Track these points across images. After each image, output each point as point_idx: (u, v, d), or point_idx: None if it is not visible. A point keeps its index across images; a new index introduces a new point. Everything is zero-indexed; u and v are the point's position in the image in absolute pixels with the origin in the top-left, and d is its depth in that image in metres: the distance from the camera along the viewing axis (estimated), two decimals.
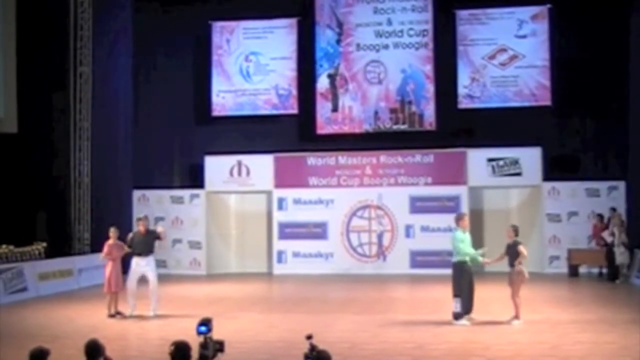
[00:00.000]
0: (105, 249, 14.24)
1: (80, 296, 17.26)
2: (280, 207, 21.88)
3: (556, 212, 20.71)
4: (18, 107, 20.88)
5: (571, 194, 20.69)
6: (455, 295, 12.31)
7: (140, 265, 13.96)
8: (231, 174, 22.10)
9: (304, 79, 22.41)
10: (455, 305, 12.29)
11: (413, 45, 21.99)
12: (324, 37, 22.44)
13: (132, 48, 22.48)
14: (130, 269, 14.13)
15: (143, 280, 14.11)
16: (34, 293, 17.19)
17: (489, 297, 15.13)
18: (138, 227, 14.36)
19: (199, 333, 5.91)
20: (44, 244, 18.85)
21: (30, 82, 20.77)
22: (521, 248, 12.32)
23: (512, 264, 12.32)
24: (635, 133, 19.66)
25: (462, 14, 21.86)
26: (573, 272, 19.74)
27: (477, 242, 13.12)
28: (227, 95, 22.80)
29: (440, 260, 19.46)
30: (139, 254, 13.99)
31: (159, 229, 14.47)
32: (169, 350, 5.80)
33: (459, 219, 12.85)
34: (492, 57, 21.59)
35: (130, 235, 14.42)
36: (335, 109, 22.27)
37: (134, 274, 14.00)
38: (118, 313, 13.91)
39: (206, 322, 5.95)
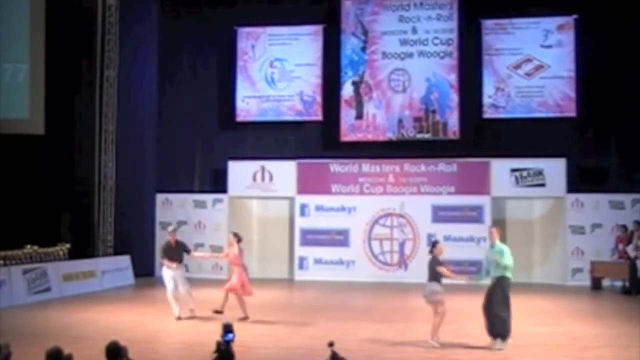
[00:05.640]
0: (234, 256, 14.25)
1: (103, 298, 17.40)
2: (302, 214, 21.92)
3: (580, 224, 20.54)
4: (45, 109, 21.14)
5: (595, 206, 20.53)
6: None
7: (171, 274, 14.26)
8: (254, 179, 22.18)
9: (328, 86, 22.45)
10: None
11: (438, 54, 21.97)
12: (349, 45, 22.47)
13: (158, 52, 22.67)
14: (163, 277, 14.51)
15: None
16: (58, 293, 17.35)
17: None
18: (168, 239, 14.63)
19: (227, 341, 5.94)
20: (68, 245, 19.04)
21: (58, 85, 21.06)
22: None
23: None
24: None
25: (488, 23, 21.80)
26: (596, 285, 19.55)
27: None
28: (252, 101, 22.89)
29: (462, 270, 19.26)
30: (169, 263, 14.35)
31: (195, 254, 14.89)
32: (212, 357, 5.84)
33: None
34: (517, 67, 21.52)
35: (162, 245, 14.88)
36: (359, 116, 22.28)
37: (169, 281, 14.27)
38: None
39: (231, 329, 5.98)
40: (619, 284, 19.43)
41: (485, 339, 11.41)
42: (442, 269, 11.50)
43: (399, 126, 22.01)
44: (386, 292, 18.67)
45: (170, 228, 15.08)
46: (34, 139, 20.81)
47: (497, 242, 11.58)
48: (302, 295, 19.09)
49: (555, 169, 20.72)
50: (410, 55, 22.12)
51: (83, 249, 20.47)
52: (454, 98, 21.79)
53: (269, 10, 22.44)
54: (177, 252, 14.44)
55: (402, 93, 22.11)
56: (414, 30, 22.13)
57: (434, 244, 11.87)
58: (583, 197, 20.60)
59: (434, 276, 11.51)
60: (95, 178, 21.57)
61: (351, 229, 21.63)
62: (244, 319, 13.67)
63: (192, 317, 14.00)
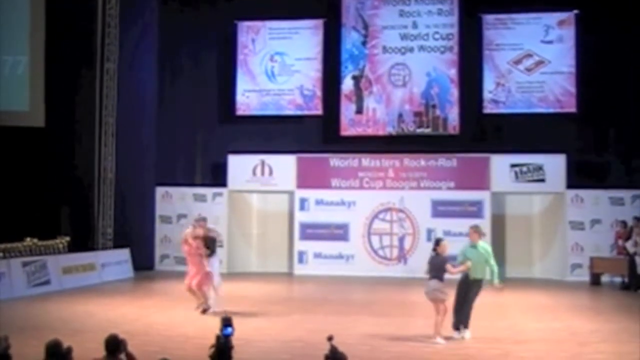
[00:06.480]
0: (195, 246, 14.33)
1: (102, 291, 17.43)
2: (302, 208, 21.91)
3: (579, 219, 20.54)
4: (45, 102, 21.13)
5: (595, 202, 20.52)
6: None
7: (209, 265, 14.31)
8: (254, 173, 22.16)
9: (328, 80, 22.40)
10: None
11: (438, 48, 21.93)
12: (350, 39, 22.44)
13: (158, 46, 22.62)
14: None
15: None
16: (57, 286, 17.37)
17: (508, 303, 15.09)
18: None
19: (226, 335, 5.93)
20: (68, 238, 19.07)
21: (58, 77, 21.01)
22: None
23: None
24: None
25: (488, 18, 21.77)
26: (595, 280, 19.56)
27: (499, 248, 12.91)
28: (252, 95, 22.86)
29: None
30: (208, 256, 14.33)
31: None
32: (209, 353, 5.83)
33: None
34: (518, 62, 21.48)
35: None
36: (359, 110, 22.26)
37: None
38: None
39: (231, 323, 5.98)
40: (618, 279, 19.43)
41: (482, 334, 11.46)
42: (450, 267, 11.48)
43: (399, 121, 21.99)
44: (385, 287, 18.68)
45: (198, 218, 15.02)
46: (34, 131, 20.79)
47: (481, 242, 11.81)
48: (302, 290, 19.11)
49: (555, 164, 20.71)
50: (411, 49, 22.08)
51: (83, 241, 20.49)
52: (454, 93, 21.76)
53: (269, 4, 22.36)
54: (206, 243, 14.42)
55: (402, 88, 22.09)
56: (415, 25, 22.09)
57: (437, 242, 11.77)
58: (583, 192, 20.59)
59: (437, 274, 11.49)
60: (95, 171, 21.57)
61: (351, 224, 21.63)
62: (200, 306, 13.80)
63: (204, 311, 13.91)
